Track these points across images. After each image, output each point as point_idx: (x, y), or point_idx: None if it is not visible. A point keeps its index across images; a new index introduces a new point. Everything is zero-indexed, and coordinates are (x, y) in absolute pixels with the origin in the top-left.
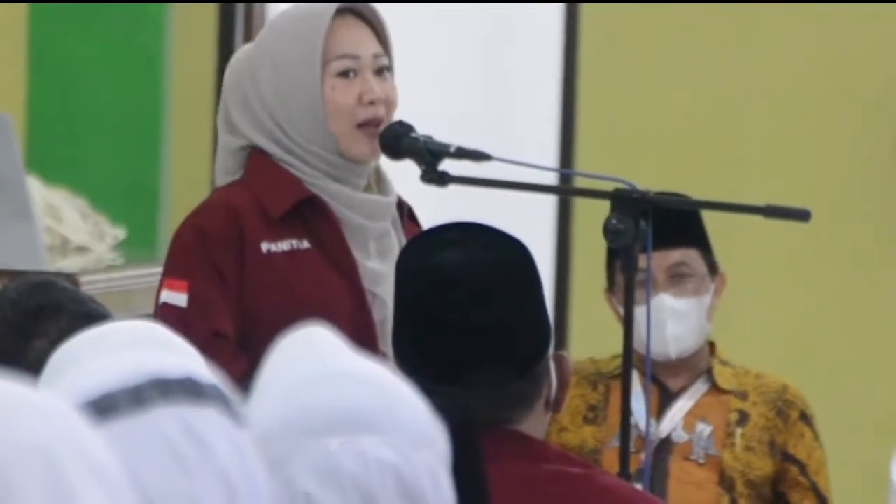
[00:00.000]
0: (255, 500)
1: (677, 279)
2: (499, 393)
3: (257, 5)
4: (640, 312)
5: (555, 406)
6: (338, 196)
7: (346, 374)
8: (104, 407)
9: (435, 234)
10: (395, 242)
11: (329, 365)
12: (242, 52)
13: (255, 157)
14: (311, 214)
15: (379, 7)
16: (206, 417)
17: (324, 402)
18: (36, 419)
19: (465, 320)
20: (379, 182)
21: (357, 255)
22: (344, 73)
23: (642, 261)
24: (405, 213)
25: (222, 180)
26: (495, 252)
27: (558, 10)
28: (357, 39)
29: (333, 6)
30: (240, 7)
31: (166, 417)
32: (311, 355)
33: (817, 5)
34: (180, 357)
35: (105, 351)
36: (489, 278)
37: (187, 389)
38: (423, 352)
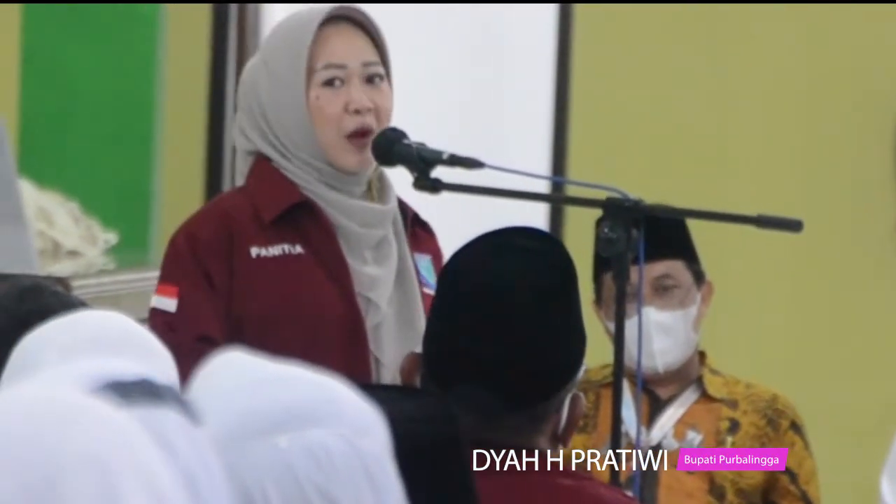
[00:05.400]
0: (217, 497)
1: (662, 291)
2: (484, 419)
3: (251, 6)
4: (628, 326)
5: (562, 441)
6: (333, 203)
7: (281, 376)
8: None
9: (498, 237)
10: (394, 249)
11: (261, 371)
12: (255, 56)
13: (258, 163)
14: (305, 219)
15: (370, 10)
16: (165, 418)
17: (266, 403)
18: (93, 429)
19: (470, 345)
20: (381, 189)
21: (352, 260)
22: (329, 83)
23: (632, 273)
24: (409, 218)
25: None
26: (546, 279)
27: (551, 11)
28: (346, 48)
29: (322, 14)
30: (233, 7)
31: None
32: (240, 368)
33: (808, 7)
34: (134, 360)
35: (60, 357)
36: (525, 312)
37: (144, 391)
38: (431, 352)
